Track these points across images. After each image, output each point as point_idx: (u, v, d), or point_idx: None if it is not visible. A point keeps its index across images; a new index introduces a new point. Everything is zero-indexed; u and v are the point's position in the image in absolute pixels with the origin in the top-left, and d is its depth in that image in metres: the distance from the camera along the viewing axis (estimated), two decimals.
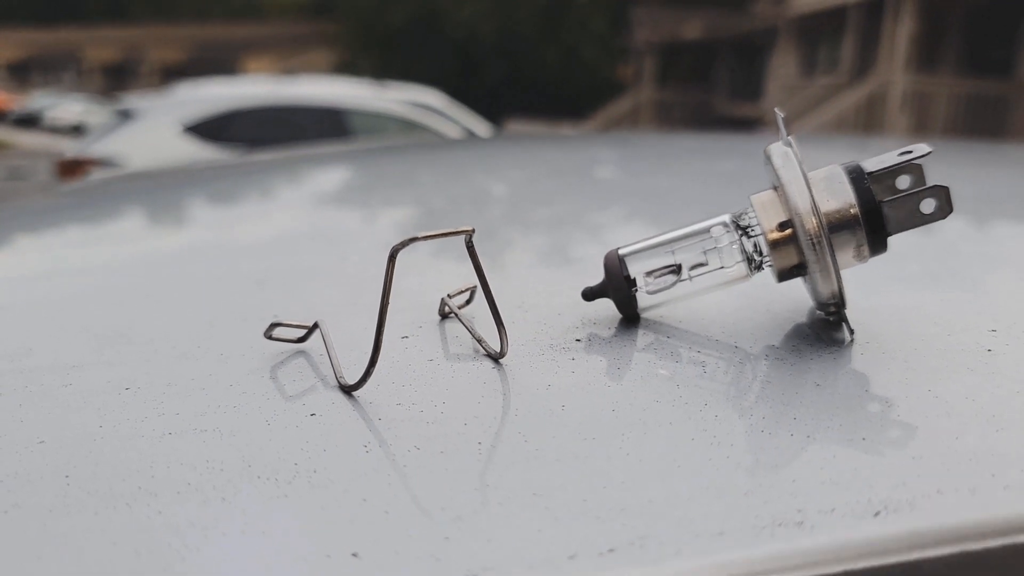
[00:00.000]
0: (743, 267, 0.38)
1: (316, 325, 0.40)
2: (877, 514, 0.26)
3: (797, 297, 0.45)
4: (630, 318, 0.39)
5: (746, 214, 0.38)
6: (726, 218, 0.38)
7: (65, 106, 17.06)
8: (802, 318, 0.42)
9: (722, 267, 0.38)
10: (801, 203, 0.34)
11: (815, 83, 9.80)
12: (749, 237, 0.38)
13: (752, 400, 0.33)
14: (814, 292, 0.37)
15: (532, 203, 0.82)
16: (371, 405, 0.34)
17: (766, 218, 0.36)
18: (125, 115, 4.70)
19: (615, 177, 1.00)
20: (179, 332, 0.44)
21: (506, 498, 0.27)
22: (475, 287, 0.45)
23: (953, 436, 0.30)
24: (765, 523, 0.26)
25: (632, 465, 0.29)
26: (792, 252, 0.36)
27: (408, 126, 4.89)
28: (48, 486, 0.29)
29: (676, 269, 0.38)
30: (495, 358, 0.38)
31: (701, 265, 0.38)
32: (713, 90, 12.70)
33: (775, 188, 0.36)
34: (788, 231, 0.35)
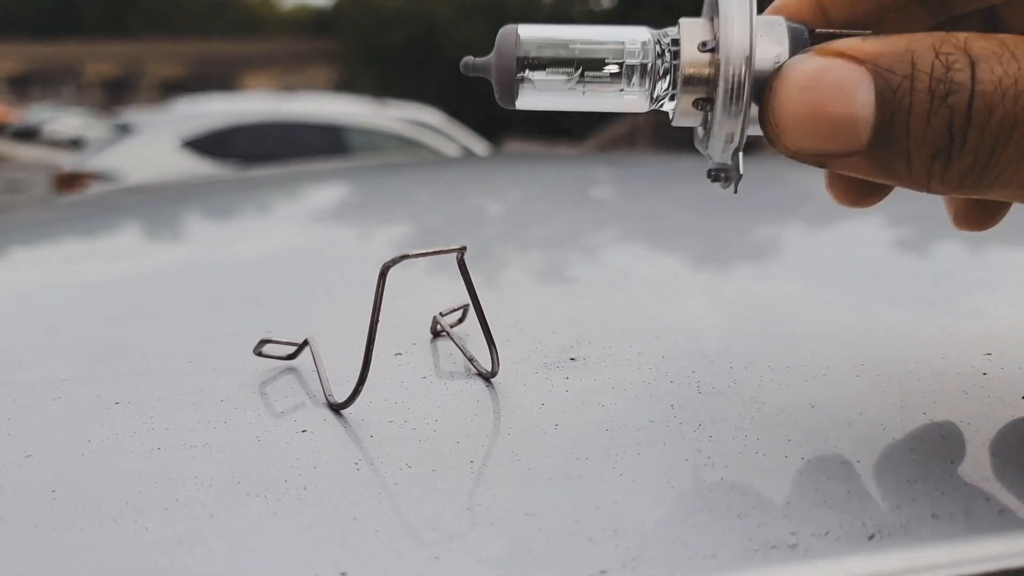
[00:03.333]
0: (644, 97, 0.33)
1: (306, 342, 0.39)
2: (871, 537, 0.26)
3: (792, 318, 0.45)
4: (505, 106, 0.34)
5: (667, 34, 0.32)
6: (647, 35, 0.32)
7: (64, 120, 17.09)
8: (797, 338, 0.42)
9: (622, 89, 0.33)
10: (737, 25, 0.30)
11: None
12: (663, 63, 0.32)
13: (746, 421, 0.33)
14: (712, 136, 0.32)
15: (528, 222, 0.82)
16: (363, 422, 0.34)
17: (689, 41, 0.31)
18: (123, 129, 4.71)
19: (611, 198, 1.00)
20: (172, 347, 0.43)
21: (498, 518, 0.27)
22: (468, 305, 0.45)
23: (948, 459, 0.30)
24: (758, 546, 0.25)
25: (625, 486, 0.29)
26: (703, 86, 0.31)
27: (406, 144, 4.91)
28: (34, 501, 0.28)
29: (573, 71, 0.32)
30: (486, 377, 0.38)
31: (600, 79, 0.32)
32: None
33: (712, 19, 0.32)
34: (708, 66, 0.31)
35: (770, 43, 0.30)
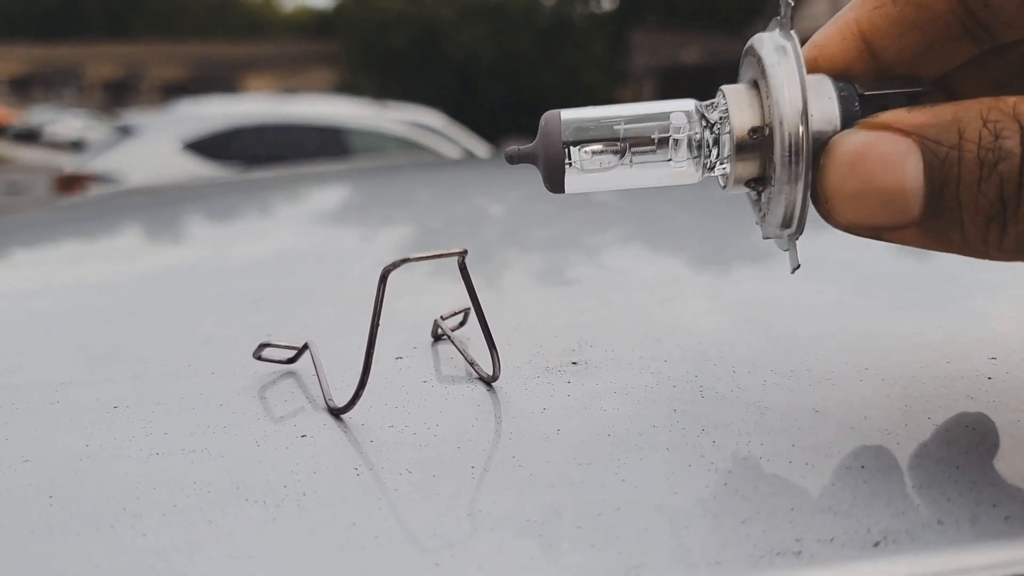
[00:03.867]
0: (693, 167, 0.32)
1: (306, 346, 0.39)
2: (876, 544, 0.25)
3: (795, 321, 0.45)
4: (555, 192, 0.33)
5: (714, 107, 0.32)
6: (691, 105, 0.32)
7: (65, 121, 17.10)
8: (800, 341, 0.42)
9: (670, 160, 0.32)
10: (790, 110, 0.29)
11: None
12: (712, 133, 0.32)
13: (750, 426, 0.33)
14: (769, 213, 0.32)
15: (529, 224, 0.81)
16: (363, 427, 0.34)
17: (740, 117, 0.30)
18: (125, 131, 4.71)
19: (612, 200, 1.00)
20: (171, 350, 0.43)
21: (499, 524, 0.27)
22: (469, 309, 0.45)
23: (953, 465, 0.30)
24: (763, 552, 0.25)
25: (628, 492, 0.28)
26: (757, 162, 0.31)
27: (407, 146, 4.91)
28: (31, 506, 0.28)
29: (620, 150, 0.32)
30: (487, 381, 0.38)
31: (648, 152, 0.32)
32: None
33: (754, 83, 0.31)
34: (761, 139, 0.30)
35: (820, 119, 0.29)
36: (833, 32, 0.31)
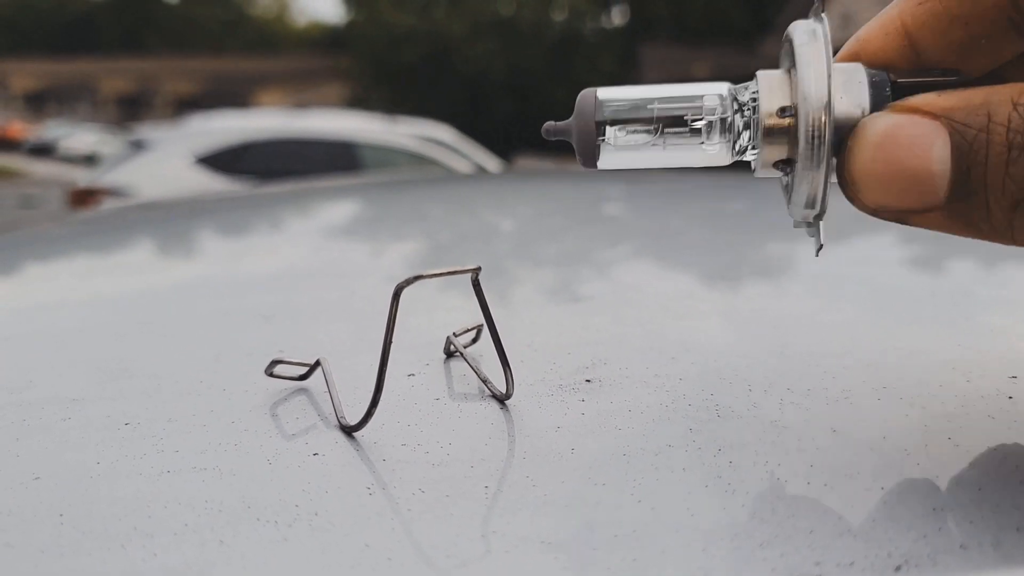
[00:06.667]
0: (725, 150, 0.33)
1: (318, 363, 0.39)
2: (898, 568, 0.25)
3: (811, 338, 0.45)
4: (587, 167, 0.34)
5: (747, 89, 0.33)
6: (724, 89, 0.33)
7: (79, 136, 17.25)
8: (816, 358, 0.41)
9: (702, 143, 0.33)
10: (815, 88, 0.29)
11: None
12: (743, 116, 0.32)
13: (767, 446, 0.32)
14: (794, 195, 0.32)
15: (541, 239, 0.81)
16: (375, 445, 0.33)
17: (769, 99, 0.31)
18: (138, 146, 4.74)
19: (624, 214, 1.00)
20: (183, 367, 0.43)
21: (513, 545, 0.26)
22: (482, 325, 0.44)
23: (976, 487, 0.29)
24: None
25: (644, 513, 0.28)
26: (784, 144, 0.31)
27: (418, 160, 4.92)
28: (42, 525, 0.28)
29: (653, 130, 0.33)
30: (500, 399, 0.37)
31: (680, 134, 0.33)
32: None
33: (789, 71, 0.32)
34: (788, 120, 0.31)
35: (849, 103, 0.30)
36: (876, 27, 0.31)
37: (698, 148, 0.33)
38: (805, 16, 0.32)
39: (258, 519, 0.28)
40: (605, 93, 0.33)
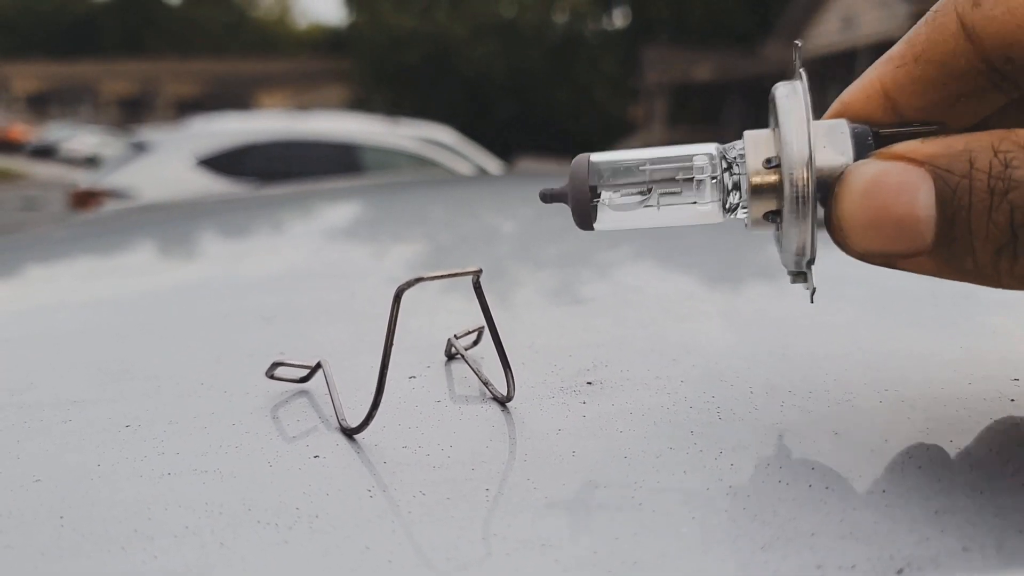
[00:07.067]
0: (717, 208, 0.34)
1: (319, 365, 0.39)
2: (900, 571, 0.25)
3: (812, 340, 0.44)
4: (584, 229, 0.35)
5: (735, 148, 0.34)
6: (712, 148, 0.34)
7: (80, 138, 17.27)
8: (818, 360, 0.41)
9: (695, 202, 0.34)
10: (796, 137, 0.30)
11: None
12: (732, 175, 0.33)
13: (768, 448, 0.32)
14: (784, 243, 0.33)
15: (542, 241, 0.81)
16: (376, 448, 0.33)
17: (755, 154, 0.32)
18: (139, 147, 4.74)
19: None
20: (184, 368, 0.43)
21: (514, 548, 0.26)
22: (483, 327, 0.44)
23: (978, 490, 0.29)
24: None
25: (645, 516, 0.28)
26: (771, 197, 0.32)
27: (420, 162, 4.93)
28: (42, 527, 0.28)
29: (646, 191, 0.34)
30: (501, 402, 0.37)
31: (673, 194, 0.34)
32: (724, 132, 12.79)
33: (774, 129, 0.33)
34: (773, 177, 0.32)
35: (833, 152, 0.31)
36: (858, 90, 0.32)
37: (691, 207, 0.34)
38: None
39: (259, 521, 0.28)
40: (598, 157, 0.35)
